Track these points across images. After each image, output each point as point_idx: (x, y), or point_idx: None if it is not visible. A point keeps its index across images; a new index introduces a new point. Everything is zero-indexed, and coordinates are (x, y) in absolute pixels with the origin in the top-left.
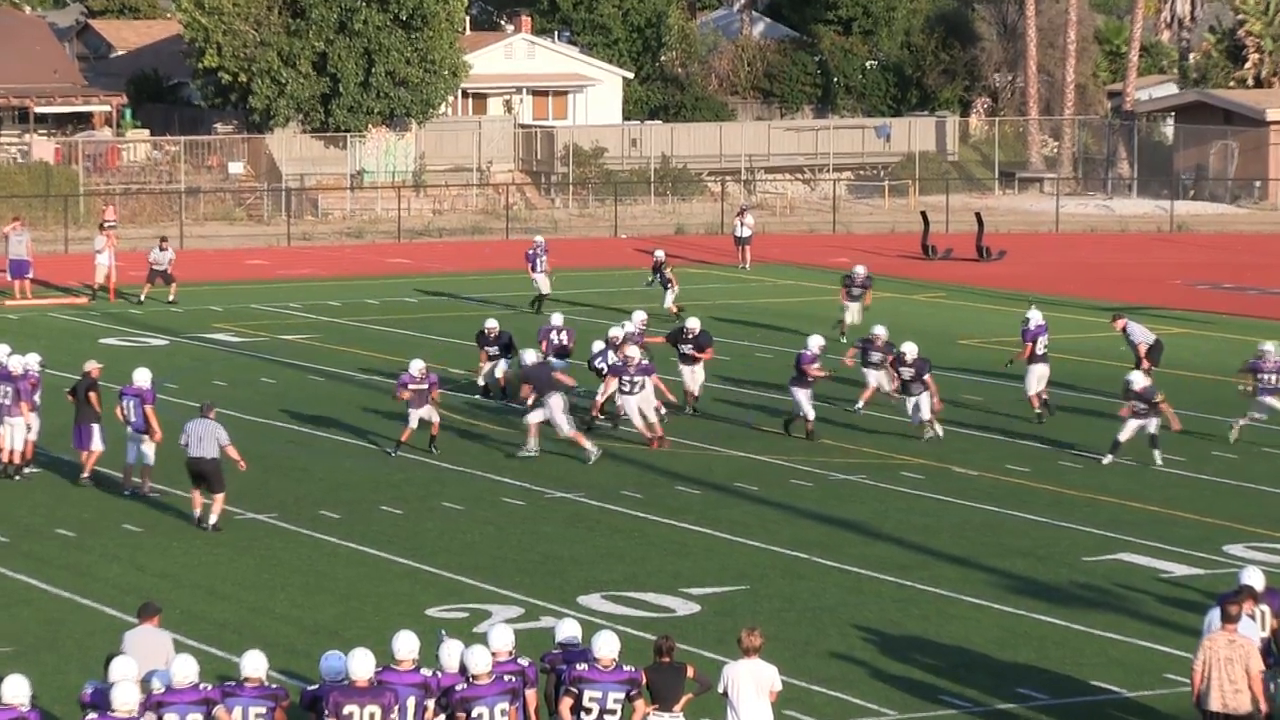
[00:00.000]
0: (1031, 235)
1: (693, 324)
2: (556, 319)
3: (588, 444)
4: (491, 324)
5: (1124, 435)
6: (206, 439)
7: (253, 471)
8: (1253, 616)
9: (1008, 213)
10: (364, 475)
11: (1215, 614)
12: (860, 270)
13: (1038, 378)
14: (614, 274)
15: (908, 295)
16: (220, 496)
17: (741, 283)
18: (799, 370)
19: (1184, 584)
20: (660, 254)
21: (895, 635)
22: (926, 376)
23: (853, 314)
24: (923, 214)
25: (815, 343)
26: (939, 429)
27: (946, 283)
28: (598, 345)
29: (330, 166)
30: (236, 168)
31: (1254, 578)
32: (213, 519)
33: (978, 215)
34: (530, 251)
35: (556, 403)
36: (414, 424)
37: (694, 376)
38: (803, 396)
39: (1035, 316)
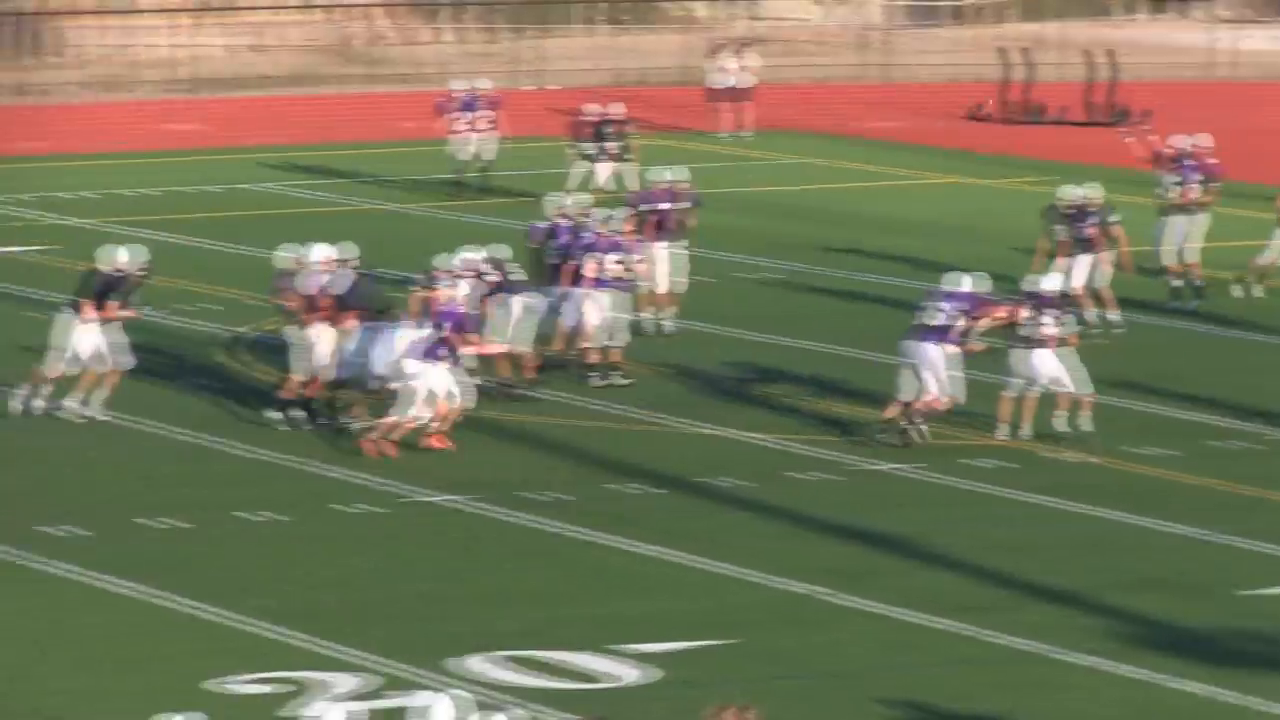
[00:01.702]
0: (1183, 86)
1: None
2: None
3: None
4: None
5: None
6: None
7: None
8: None
9: (1150, 50)
10: (117, 466)
11: None
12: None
13: (1179, 233)
14: (531, 148)
15: (988, 179)
16: None
17: (733, 159)
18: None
19: None
20: (616, 108)
21: (961, 714)
22: None
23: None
24: (1006, 52)
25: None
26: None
27: (1049, 160)
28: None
29: None
30: None
31: None
32: None
33: (1102, 55)
34: (441, 101)
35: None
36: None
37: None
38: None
39: (1182, 141)
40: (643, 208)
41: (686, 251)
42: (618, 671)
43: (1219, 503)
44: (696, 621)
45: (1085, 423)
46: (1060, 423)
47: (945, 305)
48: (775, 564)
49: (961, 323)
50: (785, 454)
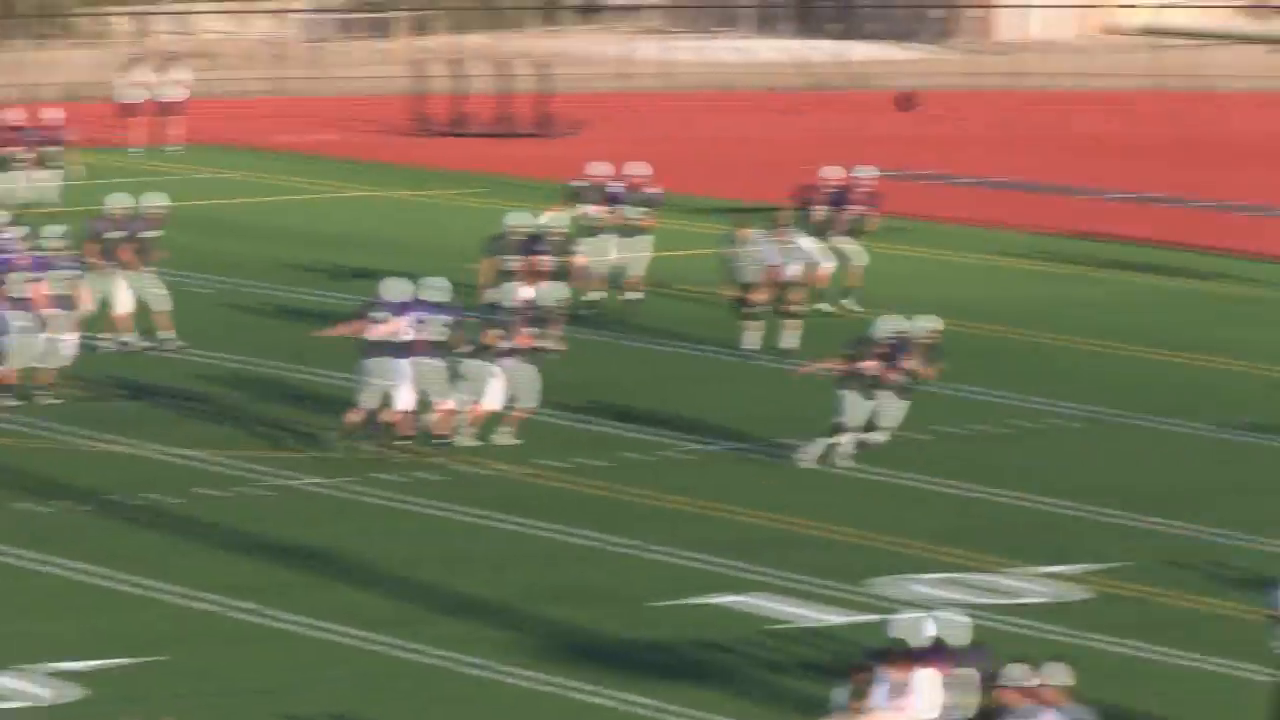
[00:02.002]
0: (618, 96)
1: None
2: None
3: None
4: None
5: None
6: None
7: None
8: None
9: (575, 62)
10: None
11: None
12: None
13: (610, 250)
14: None
15: (409, 192)
16: None
17: (155, 175)
18: None
19: (828, 636)
20: (52, 114)
21: None
22: None
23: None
24: (423, 64)
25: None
26: None
27: (473, 171)
28: None
29: None
30: None
31: (945, 628)
32: None
33: (527, 66)
34: None
35: None
36: None
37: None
38: None
39: (604, 169)
40: (107, 236)
41: (156, 272)
42: (35, 691)
43: (641, 514)
44: (119, 640)
45: (508, 436)
46: (471, 436)
47: (426, 316)
48: (198, 580)
49: (445, 333)
50: (207, 471)
